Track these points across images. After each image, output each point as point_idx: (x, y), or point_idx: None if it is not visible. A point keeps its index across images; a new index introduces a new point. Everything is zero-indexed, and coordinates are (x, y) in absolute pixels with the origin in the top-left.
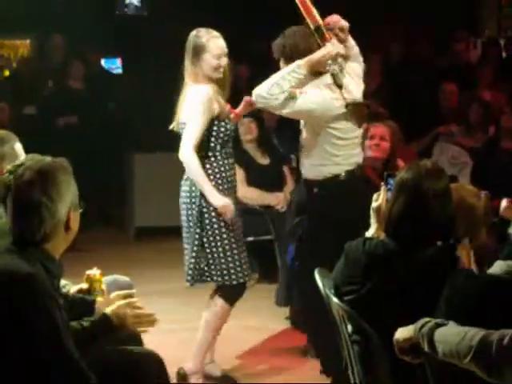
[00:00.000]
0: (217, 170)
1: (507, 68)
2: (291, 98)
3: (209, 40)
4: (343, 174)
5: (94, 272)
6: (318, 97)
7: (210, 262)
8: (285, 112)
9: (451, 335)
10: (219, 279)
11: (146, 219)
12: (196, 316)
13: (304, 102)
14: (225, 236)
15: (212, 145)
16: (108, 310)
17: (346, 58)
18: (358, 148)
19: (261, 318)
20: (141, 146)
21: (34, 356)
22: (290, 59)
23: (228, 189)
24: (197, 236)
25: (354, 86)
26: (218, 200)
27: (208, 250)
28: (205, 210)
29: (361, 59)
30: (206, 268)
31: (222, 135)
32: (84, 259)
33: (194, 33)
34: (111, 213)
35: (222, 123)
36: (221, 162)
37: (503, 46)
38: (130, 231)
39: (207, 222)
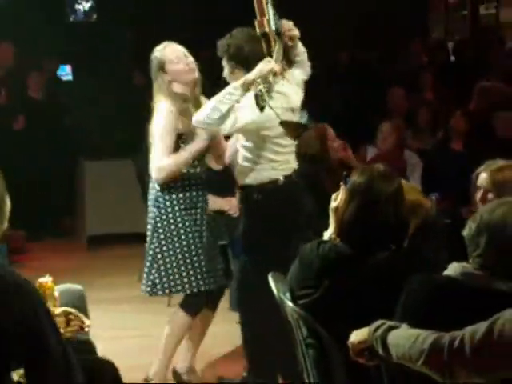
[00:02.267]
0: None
1: (455, 71)
2: (230, 119)
3: (162, 50)
4: (281, 179)
5: (46, 279)
6: (254, 111)
7: (163, 273)
8: (226, 132)
9: (403, 338)
10: (173, 289)
11: (98, 227)
12: (150, 323)
13: (241, 119)
14: (177, 245)
15: None
16: None
17: (278, 74)
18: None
19: (212, 323)
20: (91, 153)
21: (49, 362)
22: (232, 59)
23: (190, 195)
24: (152, 246)
25: (293, 94)
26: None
27: (161, 261)
28: (158, 219)
29: (307, 66)
30: (157, 280)
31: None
32: (36, 268)
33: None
34: (63, 221)
35: (182, 145)
36: (192, 171)
37: (452, 50)
38: (81, 239)
39: (160, 231)
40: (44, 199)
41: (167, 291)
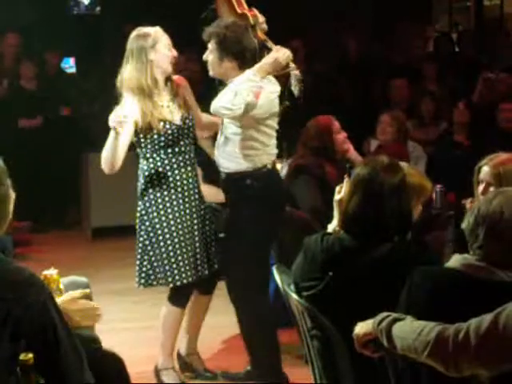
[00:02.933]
0: (160, 170)
1: (459, 62)
2: (249, 105)
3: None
4: (270, 164)
5: (51, 272)
6: (264, 99)
7: (155, 264)
8: (241, 117)
9: (408, 331)
10: (162, 281)
11: (103, 219)
12: (155, 314)
13: (257, 107)
14: (167, 236)
15: (149, 148)
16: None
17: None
18: None
19: (217, 316)
20: (95, 145)
21: (59, 352)
22: (225, 50)
23: (174, 187)
24: (141, 238)
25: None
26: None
27: (151, 253)
28: (150, 209)
29: None
30: (150, 271)
31: (164, 139)
32: (40, 260)
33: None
34: (67, 213)
35: (160, 131)
36: (166, 161)
37: (456, 41)
38: (86, 231)
39: (150, 223)
40: (48, 191)
41: (161, 282)
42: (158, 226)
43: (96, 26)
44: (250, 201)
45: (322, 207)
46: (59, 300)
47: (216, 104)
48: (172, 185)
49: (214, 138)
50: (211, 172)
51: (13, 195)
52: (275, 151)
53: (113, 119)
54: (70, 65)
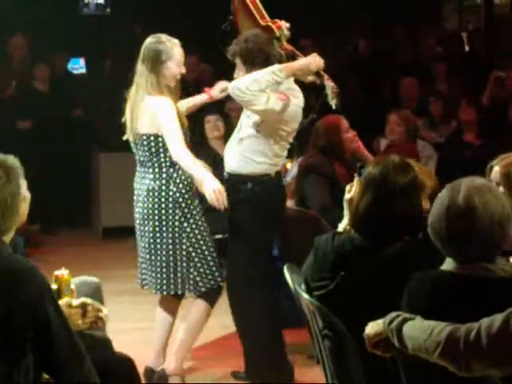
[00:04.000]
0: (183, 177)
1: (469, 62)
2: (264, 96)
3: (172, 47)
4: (273, 174)
5: (62, 272)
6: (290, 112)
7: (200, 270)
8: (253, 108)
9: (419, 331)
10: (208, 285)
11: (113, 219)
12: None
13: (273, 103)
14: (207, 239)
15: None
16: None
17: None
18: None
19: (223, 316)
20: (106, 145)
21: (51, 348)
22: (250, 62)
23: (192, 191)
24: (183, 246)
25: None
26: (210, 188)
27: (197, 259)
28: (188, 215)
29: None
30: (198, 278)
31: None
32: (51, 260)
33: (153, 39)
34: (78, 213)
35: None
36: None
37: (466, 40)
38: (97, 231)
39: (188, 229)
40: (59, 191)
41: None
42: (202, 228)
43: (105, 27)
44: (248, 204)
45: (331, 206)
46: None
47: (232, 84)
48: (191, 189)
49: (223, 138)
50: (220, 172)
51: (28, 196)
52: (283, 162)
53: None
54: (79, 65)
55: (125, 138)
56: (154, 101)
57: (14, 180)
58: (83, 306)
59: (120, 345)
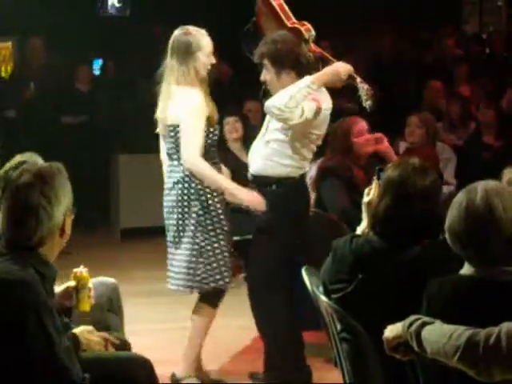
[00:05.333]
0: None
1: (490, 63)
2: (299, 109)
3: (201, 38)
4: (298, 176)
5: (81, 270)
6: (321, 116)
7: (208, 267)
8: (291, 123)
9: (438, 334)
10: (212, 284)
11: (132, 220)
12: (184, 316)
13: (308, 112)
14: (222, 237)
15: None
16: (76, 331)
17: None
18: None
19: (243, 316)
20: (126, 147)
21: (26, 361)
22: (279, 64)
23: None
24: (197, 240)
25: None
26: (247, 194)
27: (205, 255)
28: (210, 207)
29: None
30: (203, 274)
31: (210, 141)
32: (70, 261)
33: (180, 31)
34: (97, 214)
35: (211, 128)
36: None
37: (487, 42)
38: (115, 232)
39: (208, 222)
40: (77, 192)
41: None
42: (221, 224)
43: (125, 28)
44: (272, 206)
45: (350, 209)
46: (81, 328)
47: (269, 103)
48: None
49: (242, 139)
50: (239, 174)
51: (71, 213)
52: (308, 165)
53: None
54: (99, 66)
55: (156, 131)
56: (183, 93)
57: (49, 194)
58: (104, 339)
59: (139, 347)
